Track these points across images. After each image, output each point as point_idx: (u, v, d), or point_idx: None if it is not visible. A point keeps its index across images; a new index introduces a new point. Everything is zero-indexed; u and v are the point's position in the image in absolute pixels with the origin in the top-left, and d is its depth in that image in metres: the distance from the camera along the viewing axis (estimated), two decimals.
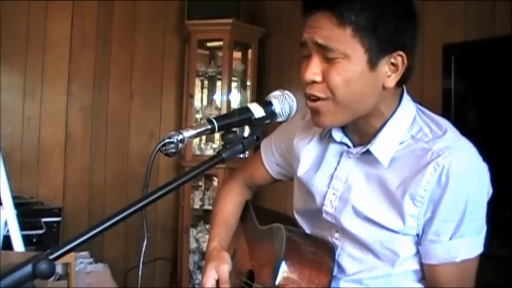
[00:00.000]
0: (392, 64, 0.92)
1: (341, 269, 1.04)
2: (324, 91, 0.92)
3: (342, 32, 0.88)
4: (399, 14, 0.90)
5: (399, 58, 0.92)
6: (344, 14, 0.87)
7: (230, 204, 1.30)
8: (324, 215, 1.06)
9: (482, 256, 0.98)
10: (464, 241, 0.93)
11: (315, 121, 0.98)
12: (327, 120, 0.95)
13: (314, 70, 0.92)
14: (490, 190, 0.95)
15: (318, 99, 0.93)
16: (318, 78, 0.92)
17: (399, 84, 0.96)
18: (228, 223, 1.26)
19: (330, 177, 1.06)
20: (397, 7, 0.90)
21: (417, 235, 0.96)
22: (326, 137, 1.08)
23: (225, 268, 1.06)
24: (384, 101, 0.96)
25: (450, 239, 0.93)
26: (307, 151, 1.12)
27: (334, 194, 1.04)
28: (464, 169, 0.90)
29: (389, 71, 0.92)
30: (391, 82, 0.93)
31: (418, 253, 0.98)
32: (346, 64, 0.89)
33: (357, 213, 1.00)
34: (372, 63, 0.90)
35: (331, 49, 0.89)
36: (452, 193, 0.90)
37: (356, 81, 0.90)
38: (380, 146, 0.97)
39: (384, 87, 0.93)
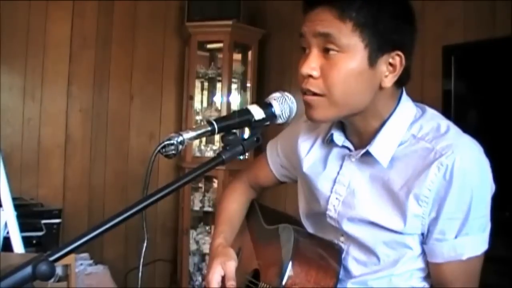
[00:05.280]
0: (390, 64, 0.92)
1: (347, 271, 1.04)
2: (320, 87, 0.92)
3: (343, 25, 0.88)
4: (397, 13, 0.91)
5: (397, 58, 0.92)
6: (344, 9, 0.88)
7: (235, 203, 1.31)
8: (328, 219, 1.06)
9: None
10: (469, 239, 0.93)
11: (307, 115, 0.97)
12: (319, 114, 0.95)
13: (312, 64, 0.92)
14: (493, 187, 0.95)
15: (313, 94, 0.93)
16: (316, 73, 0.92)
17: (398, 85, 0.96)
18: (232, 222, 1.26)
19: (333, 181, 1.05)
20: (395, 6, 0.91)
21: (422, 234, 0.96)
22: (328, 142, 1.08)
23: (232, 264, 1.06)
24: (381, 101, 0.96)
25: (456, 237, 0.93)
26: (310, 153, 1.12)
27: (337, 199, 1.04)
28: (467, 167, 0.90)
29: (386, 71, 0.93)
30: (388, 82, 0.93)
31: (423, 252, 0.98)
32: (347, 60, 0.89)
33: (361, 218, 0.99)
34: (372, 60, 0.90)
35: (333, 38, 0.89)
36: (456, 191, 0.90)
37: (355, 78, 0.90)
38: (379, 146, 0.97)
39: (381, 87, 0.93)
